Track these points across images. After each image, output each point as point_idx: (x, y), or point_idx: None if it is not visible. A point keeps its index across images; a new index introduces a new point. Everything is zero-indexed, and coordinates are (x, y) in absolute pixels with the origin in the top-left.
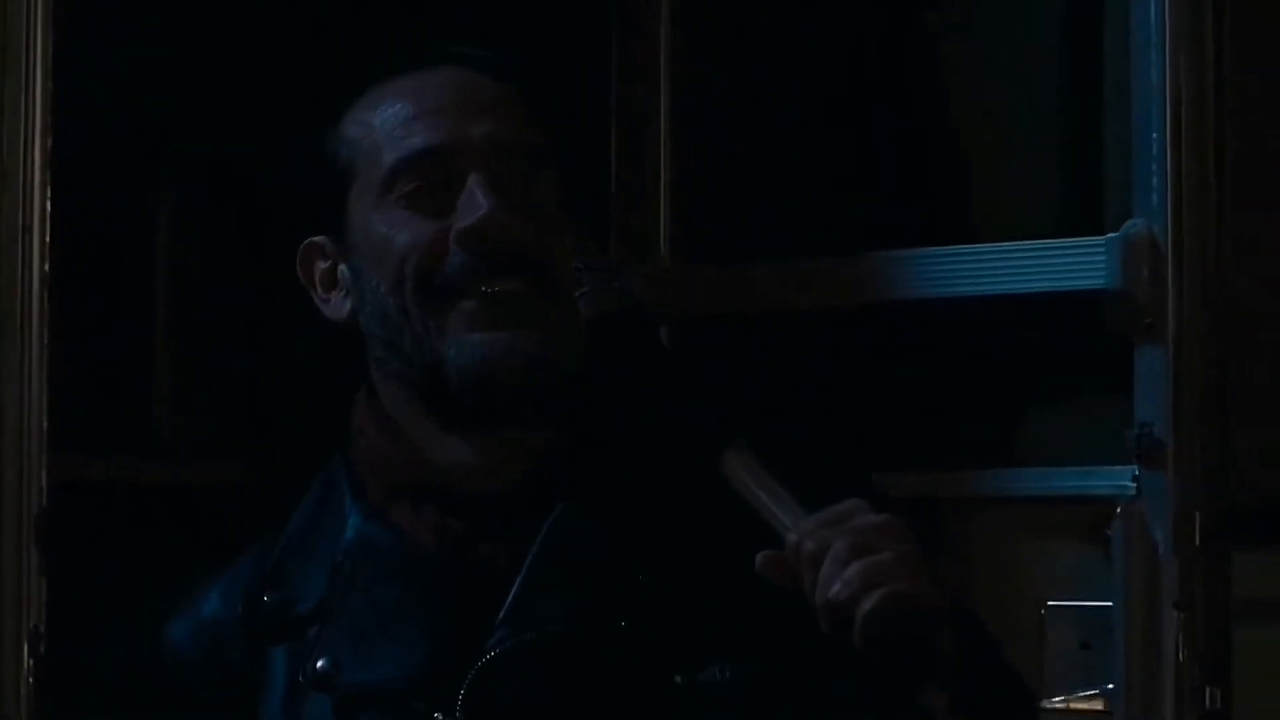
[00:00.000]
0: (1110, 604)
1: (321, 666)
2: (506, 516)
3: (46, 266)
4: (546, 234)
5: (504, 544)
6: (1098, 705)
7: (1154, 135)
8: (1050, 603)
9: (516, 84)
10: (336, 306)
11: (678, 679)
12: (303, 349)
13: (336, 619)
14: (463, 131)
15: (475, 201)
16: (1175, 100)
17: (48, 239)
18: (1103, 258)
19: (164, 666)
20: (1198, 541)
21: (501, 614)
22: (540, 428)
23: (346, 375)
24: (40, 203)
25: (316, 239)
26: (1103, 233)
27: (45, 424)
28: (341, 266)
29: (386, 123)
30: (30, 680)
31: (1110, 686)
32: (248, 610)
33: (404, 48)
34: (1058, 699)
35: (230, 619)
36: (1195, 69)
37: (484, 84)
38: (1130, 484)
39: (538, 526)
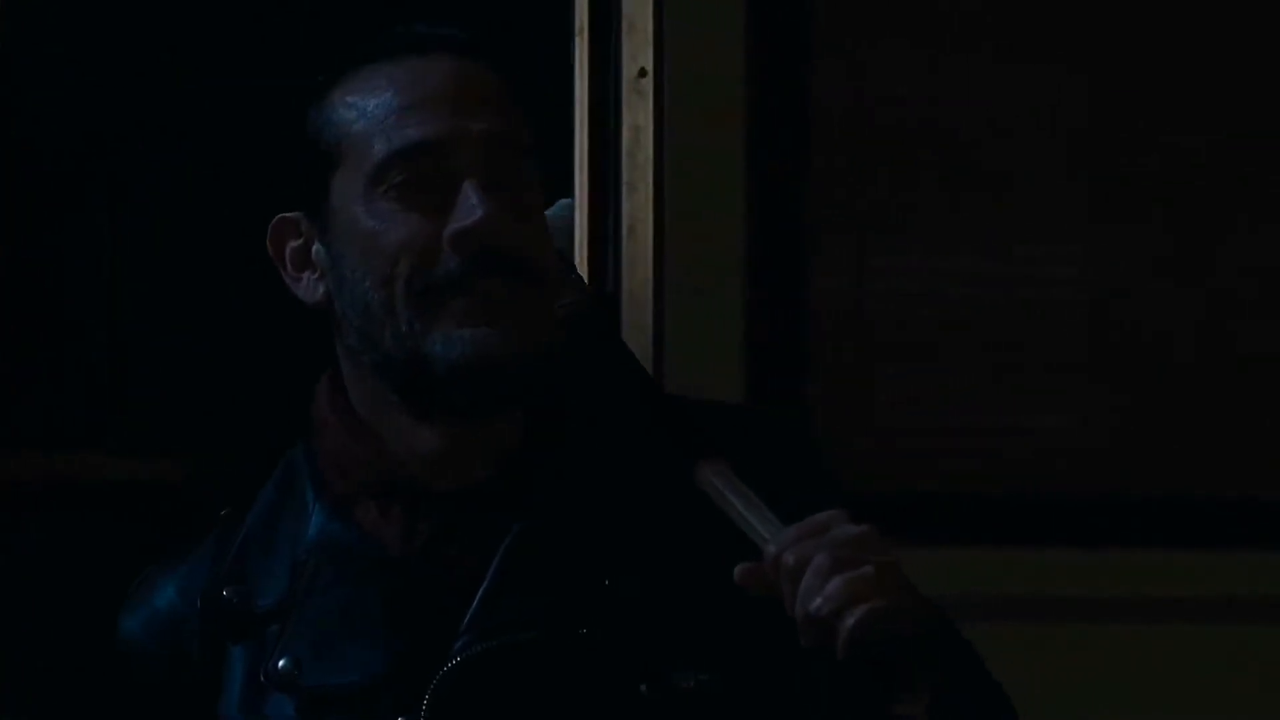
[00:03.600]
0: None
1: (283, 666)
2: (475, 518)
3: None
4: (535, 234)
5: (472, 547)
6: None
7: None
8: None
9: (509, 76)
10: (309, 288)
11: (643, 688)
12: (255, 336)
13: (299, 618)
14: (460, 126)
15: (471, 204)
16: None
17: None
18: None
19: (118, 657)
20: None
21: (467, 618)
22: (513, 422)
23: (305, 363)
24: None
25: (290, 215)
26: None
27: None
28: (316, 246)
29: (379, 109)
30: None
31: None
32: (206, 605)
33: (400, 30)
34: None
35: (188, 612)
36: None
37: (480, 75)
38: None
39: (506, 529)
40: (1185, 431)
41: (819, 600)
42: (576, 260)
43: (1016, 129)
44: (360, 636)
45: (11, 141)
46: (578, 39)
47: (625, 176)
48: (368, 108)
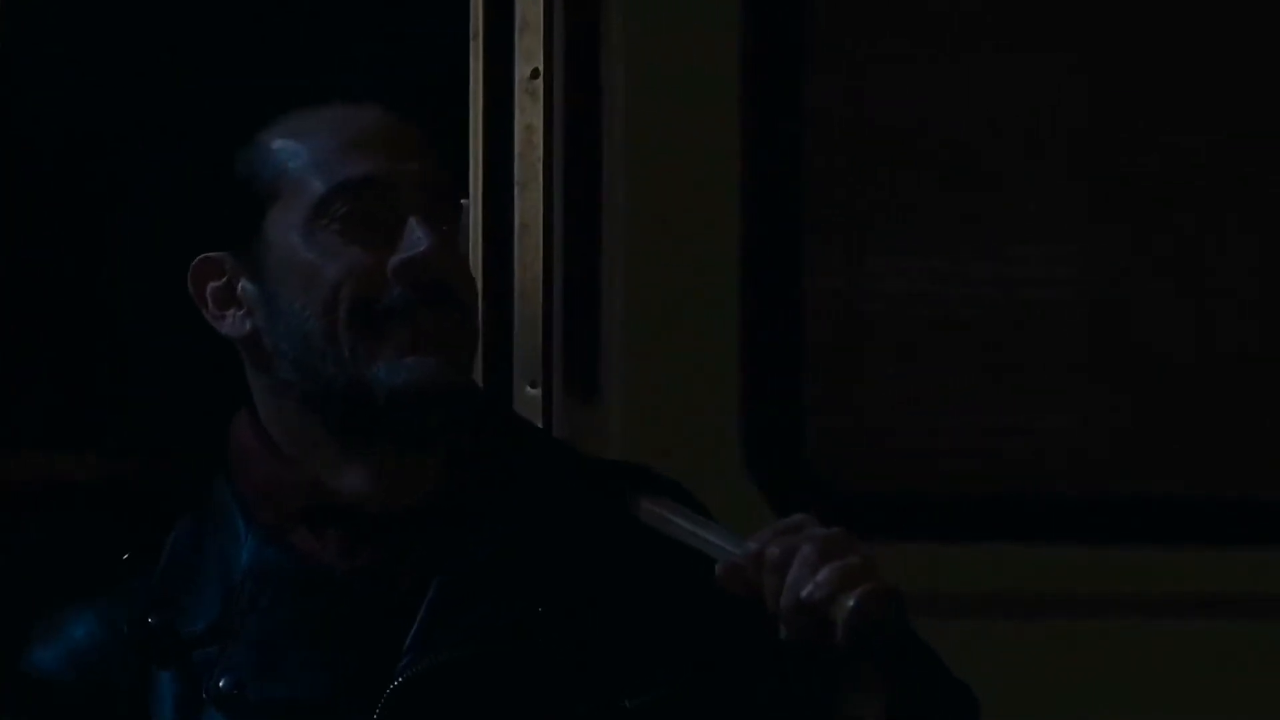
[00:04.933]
0: None
1: (224, 685)
2: (412, 538)
3: None
4: (464, 270)
5: (411, 565)
6: None
7: None
8: None
9: (424, 129)
10: (234, 324)
11: (580, 708)
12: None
13: (236, 639)
14: (399, 165)
15: (416, 236)
16: None
17: None
18: None
19: (28, 693)
20: None
21: (411, 636)
22: (436, 456)
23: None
24: None
25: (213, 255)
26: None
27: None
28: (243, 284)
29: (318, 148)
30: None
31: None
32: (133, 630)
33: (327, 80)
34: None
35: (112, 640)
36: None
37: (404, 125)
38: None
39: (444, 549)
40: (1182, 431)
41: (810, 587)
42: (472, 260)
43: (1014, 129)
44: (304, 655)
45: (8, 141)
46: (473, 42)
47: (518, 176)
48: (303, 149)
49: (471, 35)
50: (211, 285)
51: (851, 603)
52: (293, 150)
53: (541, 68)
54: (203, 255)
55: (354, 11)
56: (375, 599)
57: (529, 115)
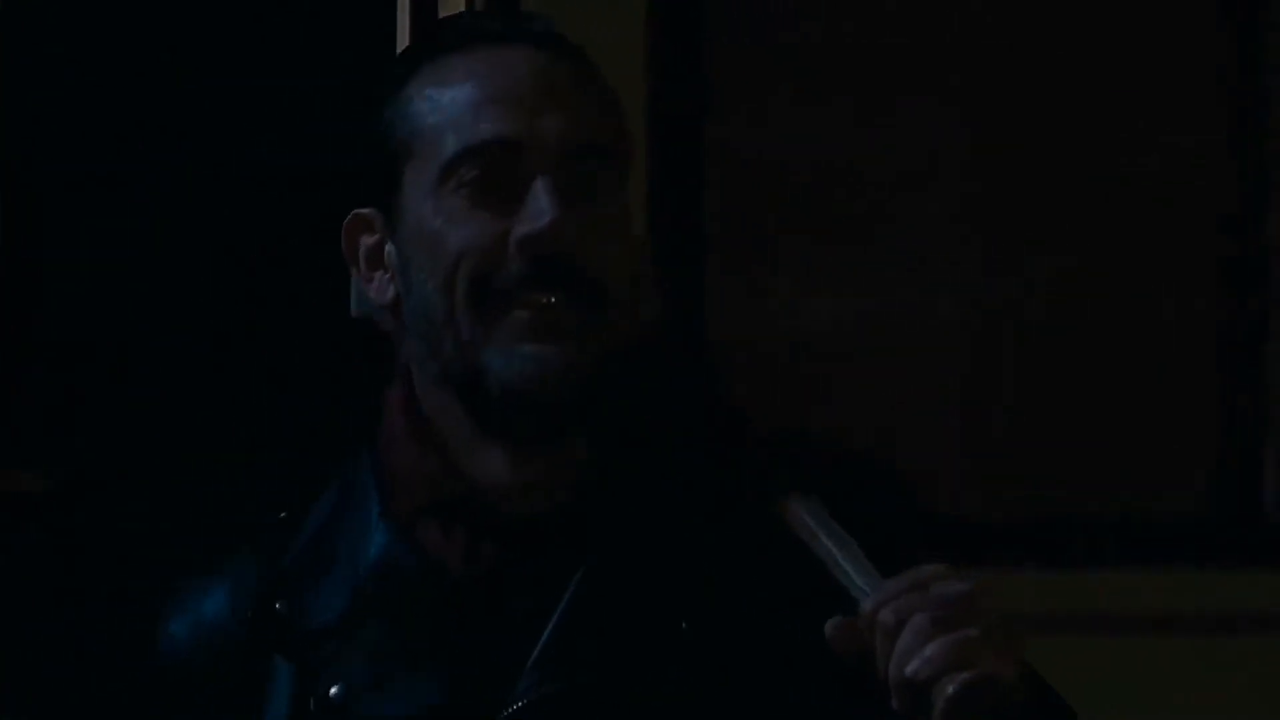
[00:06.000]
0: None
1: (335, 694)
2: (542, 546)
3: None
4: (607, 244)
5: (537, 576)
6: None
7: None
8: None
9: (592, 73)
10: (380, 288)
11: None
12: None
13: (354, 643)
14: (536, 124)
15: (541, 207)
16: None
17: None
18: None
19: (156, 668)
20: None
21: (534, 656)
22: (582, 445)
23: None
24: None
25: (364, 211)
26: None
27: None
28: (389, 245)
29: (454, 103)
30: None
31: None
32: (257, 615)
33: (482, 18)
34: None
35: (235, 621)
36: None
37: (562, 70)
38: None
39: (575, 561)
40: (1057, 458)
41: (916, 663)
42: None
43: (904, 172)
44: (418, 668)
45: None
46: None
47: None
48: (442, 100)
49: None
50: (365, 242)
51: (952, 689)
52: (430, 104)
53: None
54: (355, 211)
55: None
56: (494, 609)
57: None
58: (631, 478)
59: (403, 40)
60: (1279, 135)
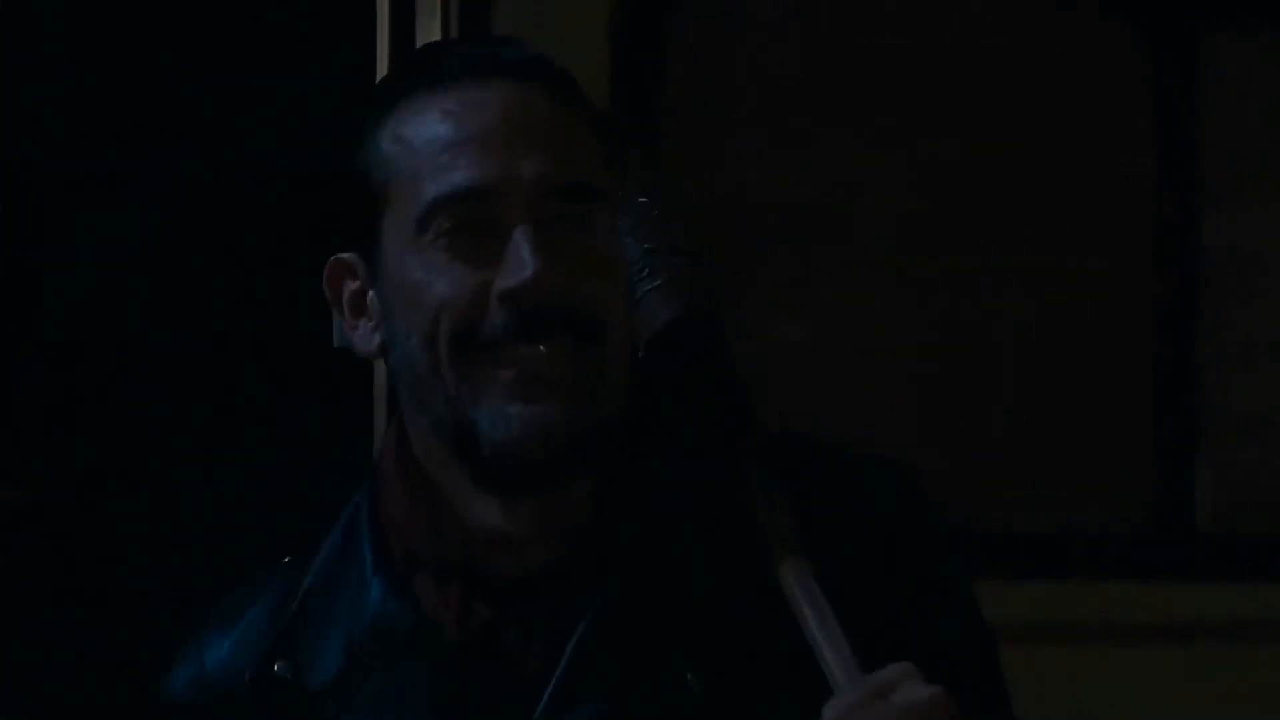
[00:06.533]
0: None
1: None
2: (538, 605)
3: None
4: (596, 278)
5: (534, 636)
6: None
7: None
8: None
9: (576, 104)
10: (365, 338)
11: None
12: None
13: (351, 704)
14: (512, 167)
15: (521, 259)
16: None
17: None
18: None
19: (165, 711)
20: None
21: (537, 714)
22: (581, 493)
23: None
24: None
25: (346, 256)
26: None
27: None
28: (371, 293)
29: (429, 145)
30: None
31: None
32: (257, 677)
33: (457, 52)
34: None
35: (237, 677)
36: None
37: (540, 105)
38: None
39: (572, 619)
40: (999, 475)
41: None
42: None
43: (854, 206)
44: None
45: None
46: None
47: None
48: (418, 144)
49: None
50: (349, 288)
51: None
52: (405, 147)
53: None
54: (336, 256)
55: None
56: (491, 671)
57: None
58: (629, 522)
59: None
60: (1212, 159)
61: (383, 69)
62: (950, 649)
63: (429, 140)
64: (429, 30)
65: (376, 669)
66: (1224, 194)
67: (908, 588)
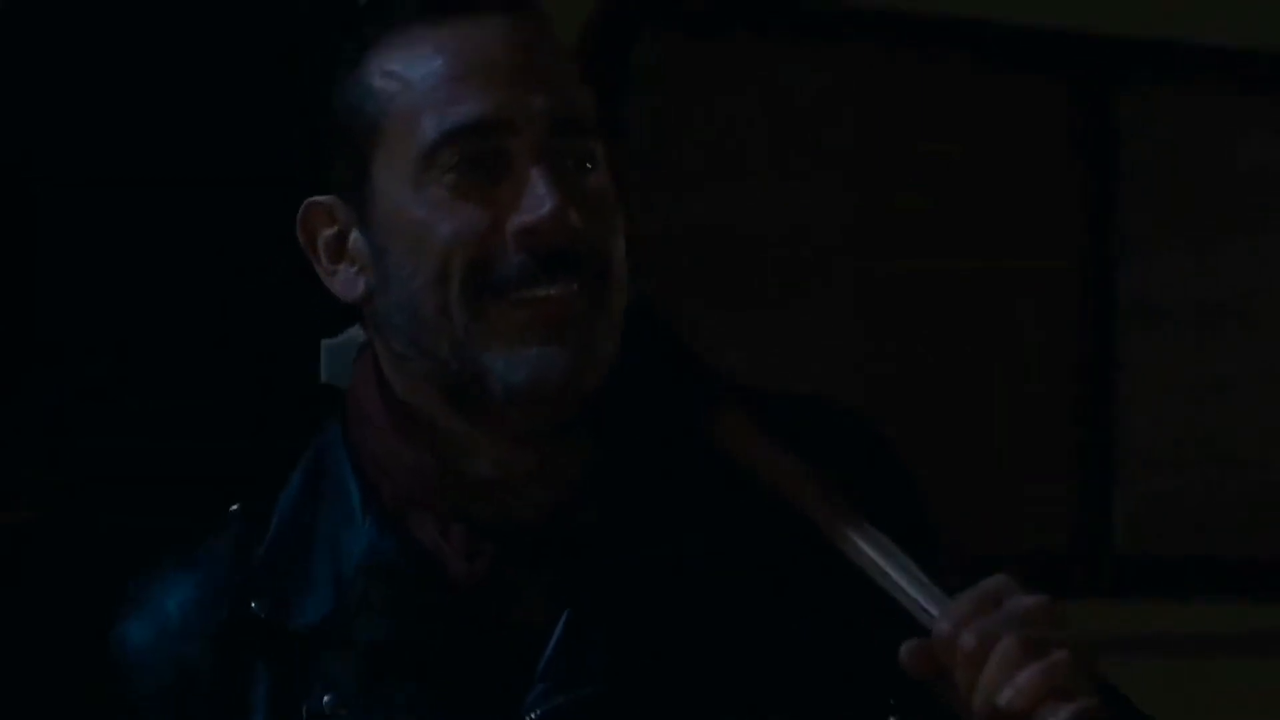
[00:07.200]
0: None
1: (328, 703)
2: (548, 546)
3: None
4: (604, 221)
5: (545, 579)
6: None
7: None
8: None
9: (560, 41)
10: (347, 283)
11: None
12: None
13: (342, 647)
14: (521, 101)
15: (539, 194)
16: None
17: None
18: None
19: (111, 668)
20: None
21: (542, 665)
22: (583, 439)
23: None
24: None
25: (322, 199)
26: None
27: None
28: (354, 235)
29: (426, 80)
30: None
31: None
32: (232, 616)
33: None
34: None
35: (207, 620)
36: None
37: (539, 39)
38: None
39: (583, 562)
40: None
41: (1010, 692)
42: None
43: (797, 238)
44: (414, 674)
45: None
46: None
47: None
48: (413, 78)
49: None
50: (324, 234)
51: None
52: (399, 82)
53: None
54: (310, 199)
55: None
56: (496, 616)
57: None
58: (639, 474)
59: None
60: (1128, 208)
61: None
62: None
63: (427, 74)
64: None
65: (370, 611)
66: (1139, 241)
67: (897, 535)
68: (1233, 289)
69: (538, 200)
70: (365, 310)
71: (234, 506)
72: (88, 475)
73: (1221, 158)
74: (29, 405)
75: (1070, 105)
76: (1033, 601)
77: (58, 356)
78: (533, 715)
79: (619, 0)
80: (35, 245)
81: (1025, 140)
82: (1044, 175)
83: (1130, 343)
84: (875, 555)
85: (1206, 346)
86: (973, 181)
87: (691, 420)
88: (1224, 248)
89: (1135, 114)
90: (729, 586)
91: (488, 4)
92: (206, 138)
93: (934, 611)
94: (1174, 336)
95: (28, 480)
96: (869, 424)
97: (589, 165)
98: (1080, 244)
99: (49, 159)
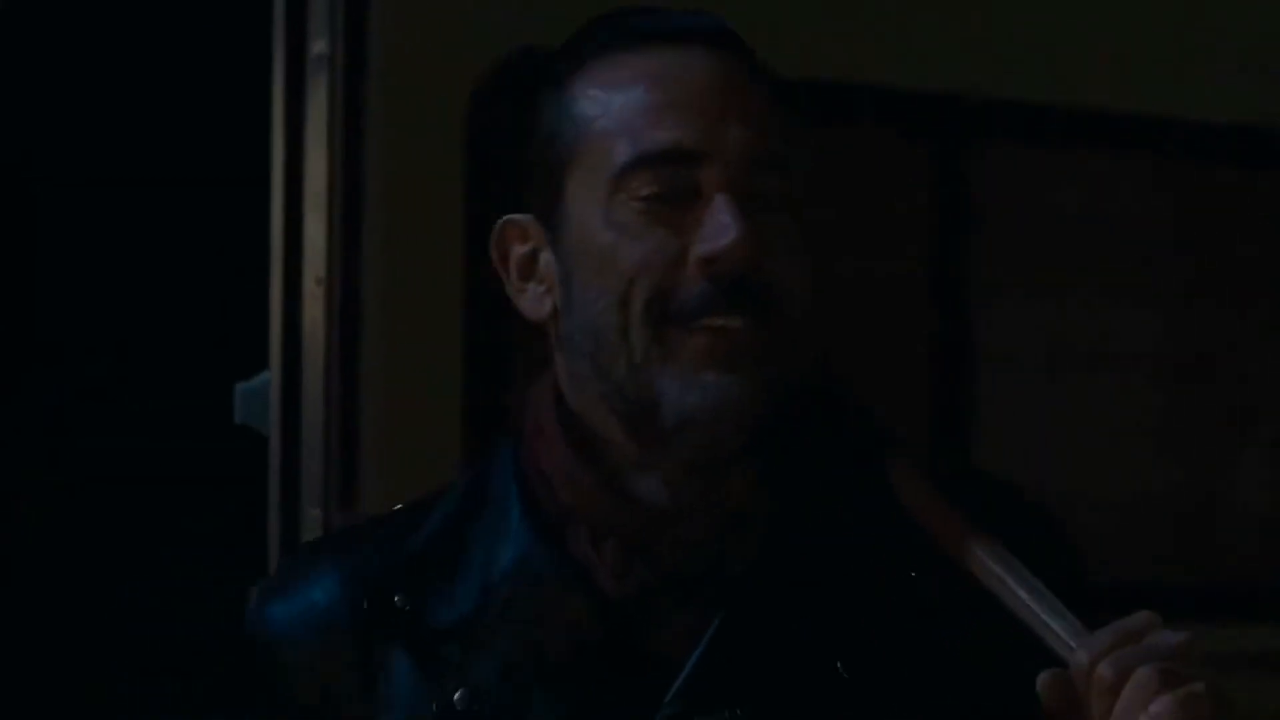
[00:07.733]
0: None
1: (460, 699)
2: (698, 571)
3: None
4: (788, 261)
5: (684, 602)
6: None
7: None
8: None
9: (767, 78)
10: (534, 301)
11: None
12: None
13: (482, 647)
14: (716, 133)
15: (724, 223)
16: None
17: None
18: None
19: (252, 652)
20: None
21: (677, 686)
22: (745, 474)
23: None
24: None
25: (518, 217)
26: None
27: None
28: (546, 255)
29: (625, 106)
30: None
31: None
32: (374, 605)
33: (653, 15)
34: None
35: (351, 612)
36: None
37: (740, 75)
38: None
39: (729, 589)
40: None
41: (1143, 719)
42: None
43: None
44: (550, 680)
45: None
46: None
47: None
48: (612, 103)
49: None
50: (517, 251)
51: None
52: (599, 106)
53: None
54: (507, 217)
55: None
56: (638, 632)
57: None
58: (803, 519)
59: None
60: (979, 261)
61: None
62: None
63: (627, 100)
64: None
65: (513, 616)
66: (990, 292)
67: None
68: (1079, 333)
69: (721, 229)
70: (550, 330)
71: (397, 506)
72: (87, 475)
73: (1063, 209)
74: (29, 405)
75: (924, 162)
76: (1174, 637)
77: (58, 356)
78: None
79: None
80: (35, 245)
81: (881, 197)
82: (899, 232)
83: (983, 391)
84: (1023, 593)
85: (1056, 388)
86: (830, 237)
87: (861, 469)
88: (1068, 294)
89: (986, 172)
90: (878, 626)
91: (692, 36)
92: (206, 138)
93: (1068, 639)
94: (1024, 386)
95: (28, 480)
96: (1031, 492)
97: (779, 203)
98: (934, 300)
99: (49, 159)
